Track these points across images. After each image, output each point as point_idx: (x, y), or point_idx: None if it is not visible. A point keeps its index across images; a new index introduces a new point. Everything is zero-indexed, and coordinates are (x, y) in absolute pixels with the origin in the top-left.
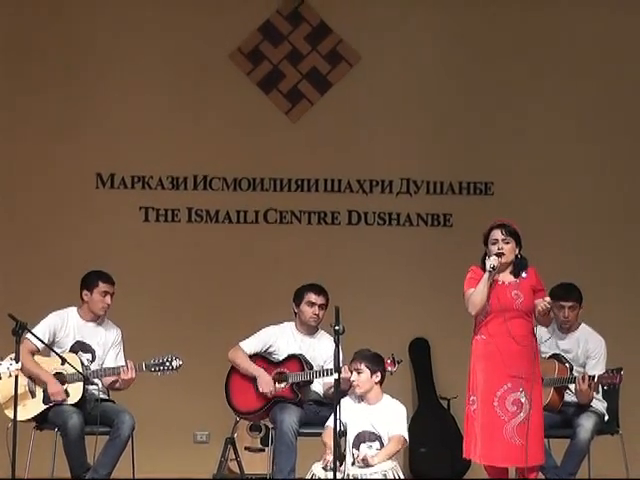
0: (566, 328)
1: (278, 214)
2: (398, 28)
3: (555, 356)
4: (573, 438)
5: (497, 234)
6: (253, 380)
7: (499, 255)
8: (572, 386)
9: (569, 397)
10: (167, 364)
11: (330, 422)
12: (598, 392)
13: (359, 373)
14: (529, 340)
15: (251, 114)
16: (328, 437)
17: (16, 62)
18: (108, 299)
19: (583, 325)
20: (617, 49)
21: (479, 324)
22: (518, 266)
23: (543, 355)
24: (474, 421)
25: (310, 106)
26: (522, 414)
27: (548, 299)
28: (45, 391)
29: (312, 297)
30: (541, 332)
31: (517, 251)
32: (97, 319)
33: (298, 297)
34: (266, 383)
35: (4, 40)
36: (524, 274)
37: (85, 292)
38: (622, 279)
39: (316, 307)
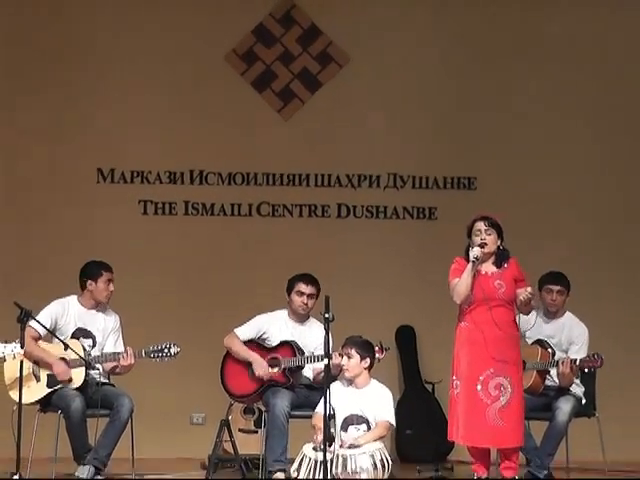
0: (552, 312)
1: (271, 207)
2: (385, 31)
3: (539, 342)
4: (552, 420)
5: (480, 225)
6: (247, 365)
7: (482, 246)
8: (553, 372)
9: (548, 382)
10: (165, 351)
11: (319, 408)
12: (578, 377)
13: (349, 358)
14: (511, 327)
15: (245, 112)
16: (318, 421)
17: (17, 60)
18: (111, 286)
19: (568, 313)
20: (611, 47)
21: (463, 312)
22: (500, 257)
23: (527, 340)
24: (456, 404)
25: (301, 105)
26: (504, 398)
27: (529, 289)
28: (49, 375)
29: (301, 287)
30: (527, 318)
31: (499, 242)
32: (97, 306)
33: (289, 286)
34: (261, 367)
35: (5, 39)
36: (505, 264)
37: (89, 282)
38: (601, 269)
39: (305, 297)
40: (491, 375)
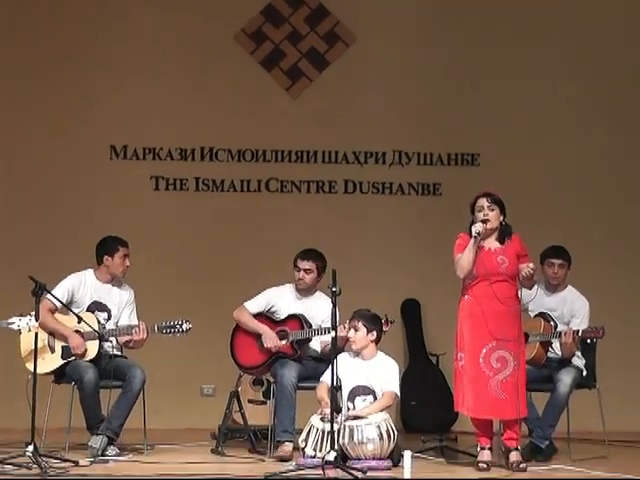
0: (554, 285)
1: (279, 183)
2: (391, 10)
3: (541, 314)
4: (553, 392)
5: (483, 202)
6: (257, 337)
7: (484, 222)
8: (555, 344)
9: (550, 354)
10: (177, 327)
11: (324, 377)
12: (579, 349)
13: (356, 331)
14: (513, 302)
15: (254, 90)
16: (322, 391)
17: (32, 41)
18: (127, 261)
19: (569, 286)
20: (597, 25)
21: (466, 286)
22: (503, 233)
23: (530, 314)
24: (461, 376)
25: (309, 83)
26: (506, 370)
27: (532, 265)
28: (64, 347)
29: (298, 262)
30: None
31: (502, 219)
32: (112, 280)
33: (293, 262)
34: (271, 339)
35: (15, 16)
36: (508, 240)
37: (106, 257)
38: (602, 243)
39: (301, 272)
40: (493, 348)
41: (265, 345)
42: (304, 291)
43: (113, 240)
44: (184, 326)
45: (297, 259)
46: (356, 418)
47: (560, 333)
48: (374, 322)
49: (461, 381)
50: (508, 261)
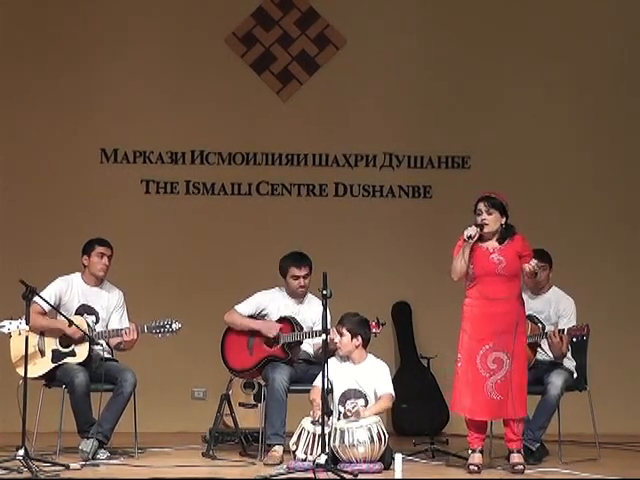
0: (538, 288)
1: (270, 186)
2: (381, 13)
3: (529, 317)
4: (544, 394)
5: (481, 206)
6: (247, 340)
7: (482, 227)
8: (545, 346)
9: (541, 356)
10: (167, 327)
11: (317, 381)
12: (568, 350)
13: (341, 336)
14: (512, 302)
15: (245, 93)
16: (315, 395)
17: (23, 43)
18: (105, 260)
19: (554, 288)
20: (589, 28)
21: (466, 288)
22: (503, 234)
23: None
24: (459, 377)
25: (299, 86)
26: (501, 372)
27: (534, 261)
28: (54, 350)
29: (295, 271)
30: None
31: (503, 221)
32: (99, 283)
33: (282, 271)
34: (270, 328)
35: (11, 23)
36: (509, 241)
37: (85, 257)
38: (591, 245)
39: (301, 279)
40: (490, 350)
41: (270, 336)
42: (296, 294)
43: (92, 240)
44: (174, 326)
45: (292, 268)
46: (352, 416)
47: (546, 333)
48: (359, 327)
49: (459, 382)
50: (506, 261)
